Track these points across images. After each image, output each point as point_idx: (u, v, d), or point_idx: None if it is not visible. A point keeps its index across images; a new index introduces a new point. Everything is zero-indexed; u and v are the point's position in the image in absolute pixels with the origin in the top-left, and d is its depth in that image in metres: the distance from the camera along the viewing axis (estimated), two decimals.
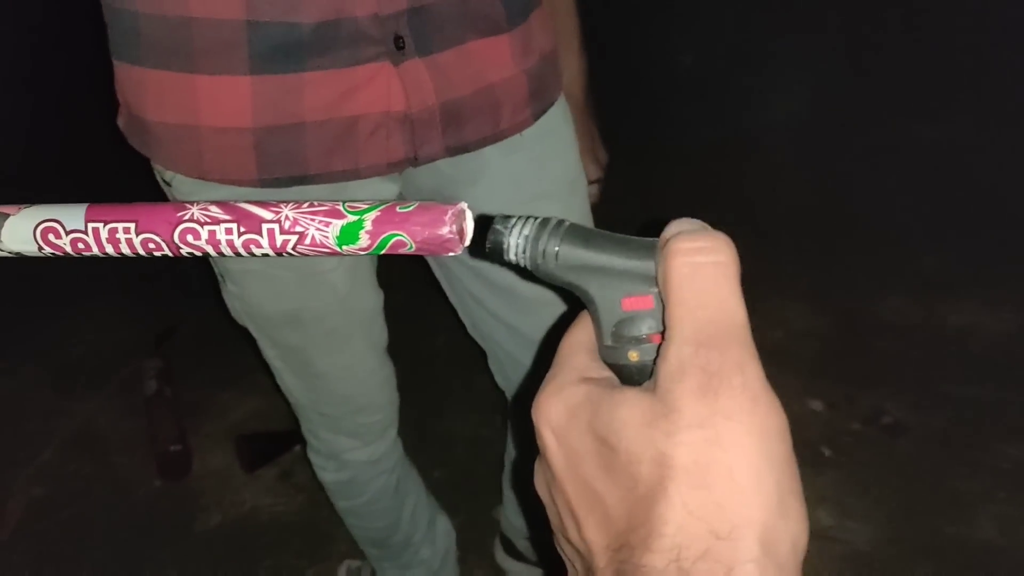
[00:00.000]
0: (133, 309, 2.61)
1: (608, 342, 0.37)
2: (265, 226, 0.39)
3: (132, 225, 0.42)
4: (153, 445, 2.10)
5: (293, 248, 0.39)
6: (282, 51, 0.87)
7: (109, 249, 0.43)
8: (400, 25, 0.89)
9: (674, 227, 0.36)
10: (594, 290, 0.37)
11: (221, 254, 0.41)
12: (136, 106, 0.95)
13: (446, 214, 0.38)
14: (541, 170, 1.08)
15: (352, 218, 0.38)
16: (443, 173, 1.02)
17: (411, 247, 0.38)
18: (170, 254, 0.42)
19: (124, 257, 0.45)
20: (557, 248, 0.37)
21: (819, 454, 1.93)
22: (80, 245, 0.44)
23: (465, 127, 0.98)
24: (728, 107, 3.39)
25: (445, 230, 0.37)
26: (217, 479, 2.07)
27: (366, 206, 0.39)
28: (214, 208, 0.41)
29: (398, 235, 0.38)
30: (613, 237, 0.38)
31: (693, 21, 3.81)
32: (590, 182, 1.23)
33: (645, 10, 3.90)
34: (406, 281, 1.51)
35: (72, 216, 0.44)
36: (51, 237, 0.44)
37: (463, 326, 1.31)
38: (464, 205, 0.39)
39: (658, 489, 0.32)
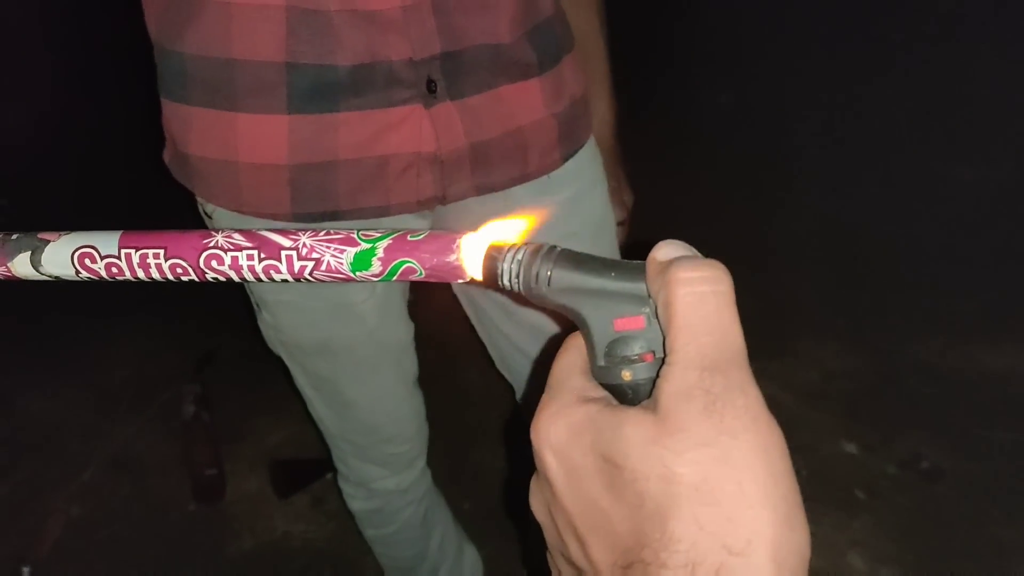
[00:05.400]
0: (174, 335, 2.66)
1: (601, 362, 0.38)
2: (284, 252, 0.42)
3: (161, 251, 0.45)
4: (189, 469, 2.14)
5: (310, 274, 0.41)
6: (319, 92, 0.90)
7: (140, 274, 0.46)
8: (433, 69, 0.92)
9: (666, 251, 0.37)
10: (587, 312, 0.38)
11: (244, 279, 0.43)
12: (181, 142, 0.99)
13: (454, 242, 0.39)
14: (570, 211, 1.10)
15: (365, 246, 0.40)
16: (472, 212, 1.03)
17: (421, 274, 0.40)
18: (196, 279, 0.45)
19: (155, 282, 0.47)
20: (550, 272, 0.39)
21: (853, 497, 1.90)
22: (114, 270, 0.46)
23: (494, 168, 1.00)
24: (761, 146, 3.38)
25: (453, 257, 0.39)
26: (250, 504, 2.10)
27: (379, 234, 0.41)
28: (237, 236, 0.43)
29: (408, 262, 0.40)
30: (603, 260, 0.39)
31: (731, 63, 3.83)
32: (616, 223, 1.25)
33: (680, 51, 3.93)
34: (442, 314, 1.53)
35: (107, 242, 0.47)
36: (87, 262, 0.47)
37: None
38: (473, 234, 0.41)
39: (668, 505, 0.33)
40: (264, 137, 0.92)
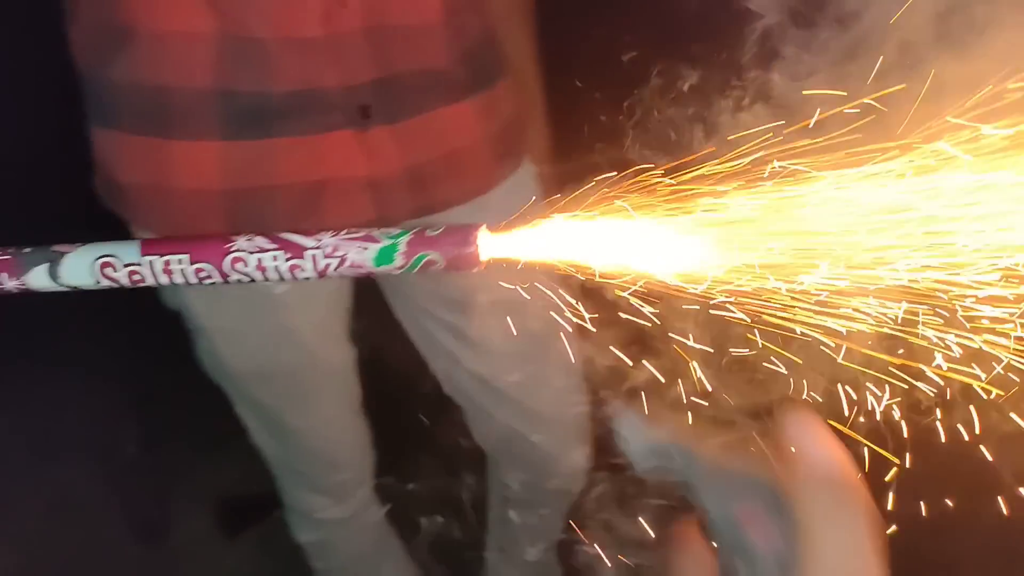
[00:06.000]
0: (113, 371, 2.60)
1: (722, 555, 0.38)
2: (308, 252, 0.45)
3: (186, 256, 0.48)
4: (132, 509, 2.09)
5: (335, 270, 0.45)
6: (252, 118, 0.92)
7: (163, 279, 0.48)
8: (365, 95, 0.94)
9: (794, 433, 0.35)
10: (708, 497, 0.38)
11: (267, 279, 0.46)
12: (112, 169, 0.99)
13: (471, 234, 0.44)
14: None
15: (388, 242, 0.44)
16: None
17: (441, 264, 0.44)
18: (220, 281, 0.47)
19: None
20: (683, 453, 0.39)
21: None
22: (136, 277, 0.49)
23: (430, 189, 1.03)
24: None
25: (472, 248, 0.44)
26: (197, 544, 2.06)
27: (398, 231, 0.45)
28: (259, 239, 0.47)
29: (430, 254, 0.44)
30: (731, 443, 0.39)
31: None
32: None
33: None
34: (389, 338, 1.54)
35: (127, 251, 0.49)
36: (109, 271, 0.49)
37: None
38: (484, 225, 0.45)
39: None
40: (197, 164, 0.93)
